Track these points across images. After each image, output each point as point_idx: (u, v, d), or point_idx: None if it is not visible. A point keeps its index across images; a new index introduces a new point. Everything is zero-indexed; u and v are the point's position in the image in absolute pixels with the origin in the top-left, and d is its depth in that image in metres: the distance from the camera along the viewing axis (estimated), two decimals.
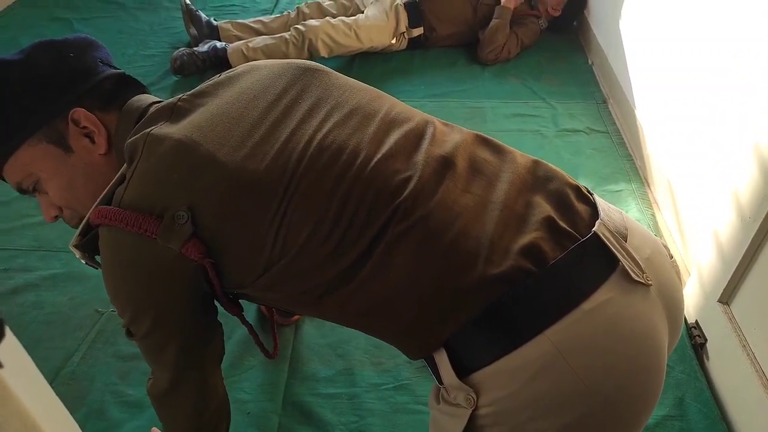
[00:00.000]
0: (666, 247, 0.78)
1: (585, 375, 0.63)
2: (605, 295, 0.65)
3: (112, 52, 2.49)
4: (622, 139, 1.97)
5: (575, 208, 0.72)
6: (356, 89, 0.83)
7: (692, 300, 1.35)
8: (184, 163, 0.69)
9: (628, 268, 0.66)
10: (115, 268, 0.72)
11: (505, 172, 0.75)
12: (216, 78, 0.82)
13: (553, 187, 0.74)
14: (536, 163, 0.78)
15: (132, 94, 0.82)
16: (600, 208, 0.72)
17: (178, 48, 2.40)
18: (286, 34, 2.30)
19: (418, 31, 2.41)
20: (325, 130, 0.73)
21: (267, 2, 2.90)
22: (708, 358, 1.28)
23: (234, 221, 0.69)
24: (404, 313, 0.70)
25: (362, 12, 2.39)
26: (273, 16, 2.54)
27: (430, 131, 0.77)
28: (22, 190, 0.81)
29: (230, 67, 2.08)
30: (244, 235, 0.70)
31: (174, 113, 0.75)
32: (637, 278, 0.66)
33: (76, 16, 2.75)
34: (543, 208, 0.70)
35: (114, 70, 0.83)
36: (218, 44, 2.33)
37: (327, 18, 2.31)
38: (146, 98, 0.82)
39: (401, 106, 0.83)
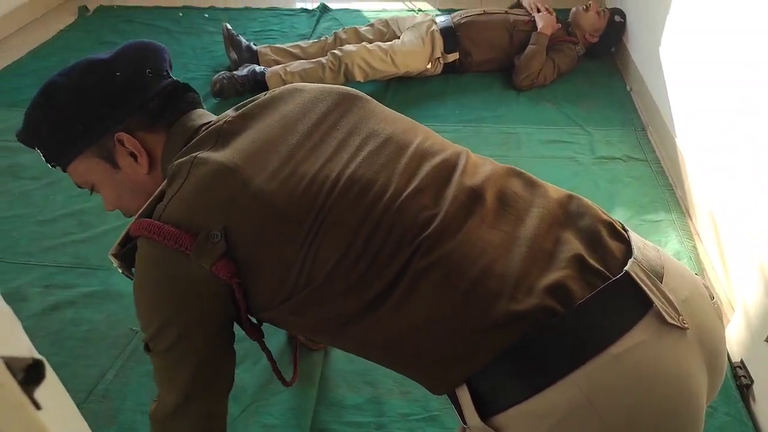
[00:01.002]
0: (707, 287, 0.75)
1: (613, 423, 0.60)
2: (637, 338, 0.62)
3: None
4: (662, 167, 1.92)
5: (607, 245, 0.70)
6: (392, 119, 0.84)
7: (737, 338, 1.29)
8: (224, 185, 0.71)
9: (662, 310, 0.63)
10: (147, 279, 0.74)
11: (535, 207, 0.73)
12: (260, 97, 0.85)
13: (585, 224, 0.72)
14: (570, 197, 0.77)
15: (182, 109, 0.84)
16: (634, 246, 0.70)
17: (218, 71, 2.46)
18: (322, 59, 2.33)
19: (453, 57, 2.42)
20: (358, 160, 0.75)
21: (305, 27, 2.96)
22: (755, 400, 1.22)
23: (265, 244, 0.71)
24: (425, 349, 0.69)
25: (398, 38, 2.42)
26: (311, 41, 2.59)
27: (462, 163, 0.77)
28: (82, 187, 0.89)
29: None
30: (273, 259, 0.71)
31: (220, 137, 0.77)
32: (672, 321, 0.63)
33: (122, 40, 2.83)
34: (573, 245, 0.69)
35: (165, 82, 0.84)
36: (257, 68, 2.38)
37: (363, 43, 2.35)
38: (197, 118, 0.84)
39: (435, 138, 0.83)
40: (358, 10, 3.14)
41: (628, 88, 2.36)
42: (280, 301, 0.72)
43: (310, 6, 3.18)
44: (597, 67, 2.50)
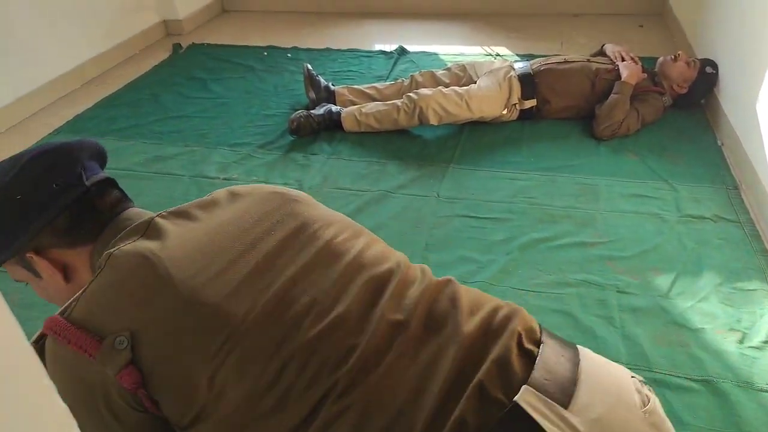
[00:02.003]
0: (641, 391, 0.71)
1: None
2: None
3: (238, 111, 2.66)
4: (757, 230, 1.78)
5: (512, 368, 0.68)
6: (332, 224, 0.81)
7: None
8: (140, 278, 0.68)
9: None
10: (56, 379, 0.64)
11: (459, 329, 0.71)
12: (199, 200, 0.82)
13: (501, 343, 0.70)
14: (493, 312, 0.75)
15: (102, 219, 0.79)
16: (538, 366, 0.67)
17: (296, 109, 2.53)
18: (398, 102, 2.36)
19: (530, 103, 2.38)
20: (287, 274, 0.72)
21: (382, 69, 3.01)
22: None
23: (173, 352, 0.66)
24: None
25: (475, 82, 2.41)
26: (387, 83, 2.63)
27: (394, 281, 0.75)
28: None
29: (343, 131, 2.16)
30: (180, 370, 0.66)
31: (149, 229, 0.74)
32: None
33: (210, 76, 3.02)
34: (481, 371, 0.67)
35: (77, 192, 0.78)
36: (333, 108, 2.43)
37: (439, 87, 2.35)
38: (124, 220, 0.79)
39: (375, 247, 0.81)
40: (435, 54, 3.17)
41: (719, 143, 2.23)
42: (193, 417, 0.66)
43: (388, 48, 3.25)
44: (685, 118, 2.38)
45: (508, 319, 0.74)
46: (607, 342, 1.43)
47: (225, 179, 2.19)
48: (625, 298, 1.56)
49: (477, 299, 0.78)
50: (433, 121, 2.31)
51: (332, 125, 2.42)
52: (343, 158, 2.28)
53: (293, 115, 2.42)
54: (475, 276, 1.65)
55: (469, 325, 0.72)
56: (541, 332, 0.74)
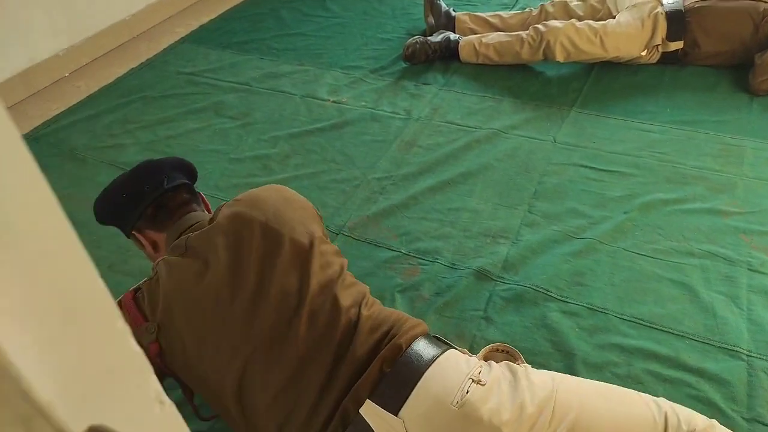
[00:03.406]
0: (462, 389, 0.87)
1: None
2: None
3: (354, 33, 2.58)
4: None
5: (366, 386, 0.89)
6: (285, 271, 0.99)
7: None
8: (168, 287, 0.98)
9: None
10: None
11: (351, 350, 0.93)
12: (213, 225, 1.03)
13: (371, 369, 0.90)
14: (381, 336, 0.94)
15: (173, 211, 1.11)
16: (384, 382, 0.88)
17: (413, 35, 2.42)
18: (523, 33, 2.17)
19: (676, 45, 2.09)
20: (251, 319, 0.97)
21: None
22: None
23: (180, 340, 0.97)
24: None
25: (614, 17, 2.15)
26: (513, 11, 2.43)
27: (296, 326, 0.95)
28: None
29: (459, 61, 2.33)
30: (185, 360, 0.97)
31: (187, 249, 1.01)
32: None
33: None
34: (351, 392, 0.89)
35: (158, 192, 1.10)
36: (452, 36, 2.30)
37: (572, 20, 2.13)
38: (186, 221, 1.09)
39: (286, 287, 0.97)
40: None
41: None
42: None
43: None
44: None
45: (385, 341, 0.94)
46: (727, 322, 1.28)
47: (334, 102, 2.17)
48: (759, 278, 1.38)
49: (378, 319, 0.97)
50: (560, 57, 2.11)
51: (448, 54, 2.29)
52: (456, 90, 2.16)
53: (409, 40, 2.32)
54: (584, 232, 1.53)
55: (361, 348, 0.92)
56: (408, 348, 0.92)
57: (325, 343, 0.92)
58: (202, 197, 1.21)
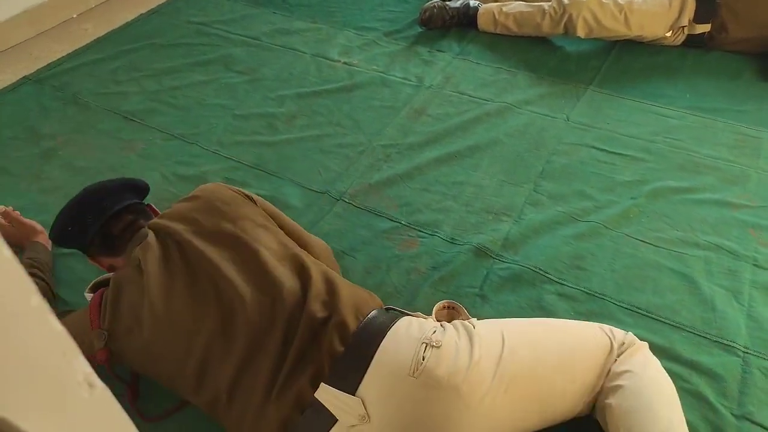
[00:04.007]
0: (420, 357, 0.87)
1: None
2: None
3: None
4: None
5: (323, 371, 0.89)
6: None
7: None
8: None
9: (344, 420, 0.84)
10: (73, 315, 1.11)
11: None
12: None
13: (322, 351, 0.90)
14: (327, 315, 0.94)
15: (122, 237, 1.13)
16: (337, 365, 0.88)
17: None
18: (545, 4, 2.09)
19: (702, 28, 2.01)
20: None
21: None
22: None
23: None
24: None
25: None
26: None
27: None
28: None
29: (476, 29, 2.25)
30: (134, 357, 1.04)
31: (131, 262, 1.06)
32: (354, 423, 0.83)
33: None
34: (305, 375, 0.89)
35: (101, 221, 1.13)
36: (471, 2, 2.22)
37: None
38: (138, 238, 1.09)
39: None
40: None
41: None
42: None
43: None
44: None
45: (331, 308, 0.95)
46: (726, 317, 1.26)
47: (345, 63, 2.11)
48: (763, 274, 1.35)
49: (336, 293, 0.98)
50: (581, 32, 2.03)
51: (466, 21, 2.22)
52: (471, 60, 2.10)
53: (426, 4, 2.24)
54: (588, 215, 1.49)
55: (308, 330, 0.93)
56: (360, 324, 0.92)
57: (272, 328, 0.92)
58: (152, 208, 1.24)
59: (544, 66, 2.05)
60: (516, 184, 1.60)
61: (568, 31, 2.05)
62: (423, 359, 0.86)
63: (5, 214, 1.41)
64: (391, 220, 1.52)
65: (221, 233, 1.04)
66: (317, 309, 0.94)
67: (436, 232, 1.48)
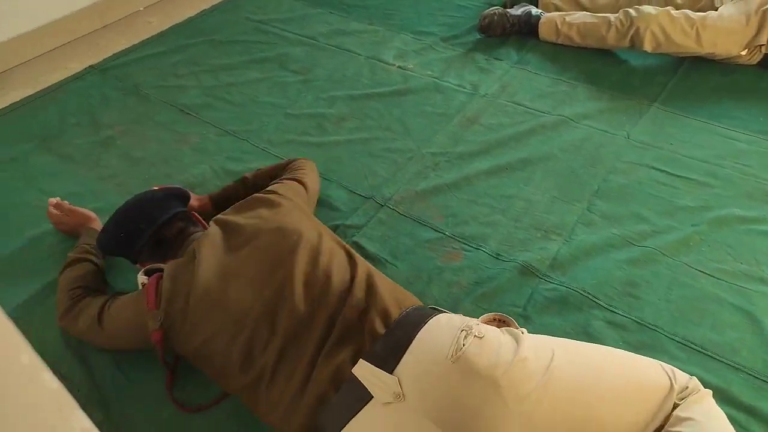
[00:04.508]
0: (459, 343, 0.86)
1: None
2: (362, 419, 0.83)
3: None
4: None
5: (365, 347, 0.90)
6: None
7: None
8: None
9: (379, 397, 0.83)
10: (129, 300, 1.14)
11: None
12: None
13: (365, 330, 0.93)
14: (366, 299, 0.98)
15: (171, 246, 1.17)
16: (380, 342, 0.89)
17: (492, 5, 2.30)
18: (611, 16, 2.01)
19: None
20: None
21: None
22: None
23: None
24: None
25: (716, 9, 1.96)
26: None
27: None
28: None
29: (537, 38, 2.19)
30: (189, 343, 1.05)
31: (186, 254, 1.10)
32: (388, 401, 0.82)
33: None
34: (345, 352, 0.91)
35: (153, 229, 1.16)
36: (533, 11, 2.16)
37: (669, 8, 1.95)
38: (188, 244, 1.14)
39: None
40: None
41: None
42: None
43: None
44: None
45: (370, 297, 0.98)
46: None
47: (399, 67, 2.09)
48: None
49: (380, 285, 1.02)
50: (648, 47, 1.94)
51: (527, 30, 2.16)
52: (529, 70, 2.04)
53: (487, 10, 2.19)
54: (644, 240, 1.41)
55: (352, 312, 0.96)
56: (402, 312, 0.95)
57: (317, 314, 0.96)
58: (196, 217, 1.29)
59: (606, 79, 1.97)
60: (568, 202, 1.54)
61: (635, 44, 1.96)
62: (463, 345, 0.85)
63: (57, 206, 1.45)
64: (436, 231, 1.48)
65: (278, 224, 1.10)
66: (361, 298, 0.97)
67: (482, 246, 1.43)
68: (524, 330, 0.95)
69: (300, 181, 1.36)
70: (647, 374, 0.90)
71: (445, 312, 0.98)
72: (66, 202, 1.47)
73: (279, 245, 1.06)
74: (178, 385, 1.17)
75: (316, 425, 0.88)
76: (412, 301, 1.02)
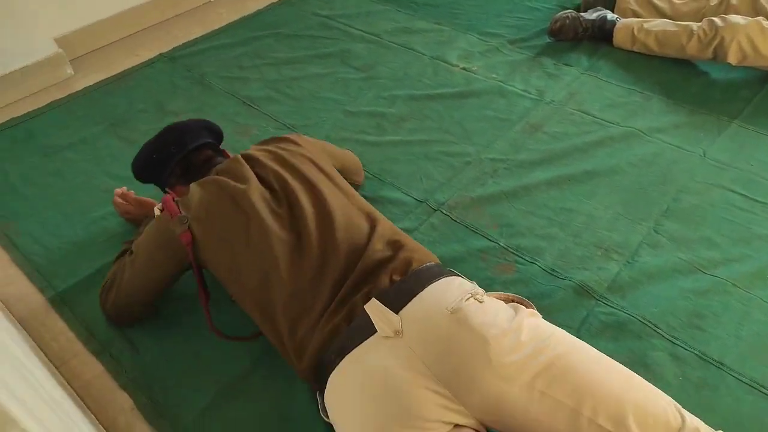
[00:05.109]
0: (460, 304, 0.92)
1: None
2: (366, 347, 0.92)
3: None
4: None
5: (380, 287, 0.98)
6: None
7: None
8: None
9: (381, 331, 0.92)
10: (150, 229, 1.18)
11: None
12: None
13: (385, 272, 1.00)
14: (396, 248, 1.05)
15: (198, 170, 1.25)
16: (394, 287, 0.97)
17: (565, 8, 2.21)
18: (693, 25, 1.88)
19: None
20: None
21: None
22: None
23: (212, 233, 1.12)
24: None
25: None
26: None
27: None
28: None
29: (611, 44, 2.11)
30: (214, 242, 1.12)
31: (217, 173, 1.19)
32: (388, 335, 0.91)
33: None
34: (361, 294, 0.98)
35: (184, 152, 1.26)
36: (609, 16, 2.06)
37: (759, 18, 1.80)
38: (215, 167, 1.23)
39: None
40: None
41: None
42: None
43: None
44: None
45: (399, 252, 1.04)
46: None
47: (463, 68, 2.04)
48: None
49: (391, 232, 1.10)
50: (732, 59, 1.81)
51: (600, 35, 2.06)
52: (600, 78, 1.94)
53: (559, 13, 2.11)
54: (714, 268, 1.32)
55: (372, 258, 1.03)
56: (419, 265, 1.01)
57: (341, 252, 1.03)
58: (225, 152, 1.33)
59: (684, 92, 1.85)
60: (634, 220, 1.45)
61: (717, 56, 1.84)
62: (464, 302, 0.93)
63: (123, 195, 1.49)
64: (489, 240, 1.43)
65: (301, 170, 1.17)
66: (384, 248, 1.05)
67: (536, 260, 1.37)
68: (539, 315, 0.99)
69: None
70: (655, 400, 0.86)
71: (462, 277, 1.04)
72: (131, 192, 1.51)
73: (304, 176, 1.15)
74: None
75: (323, 359, 0.95)
76: (434, 259, 1.08)
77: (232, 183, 1.12)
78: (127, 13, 2.35)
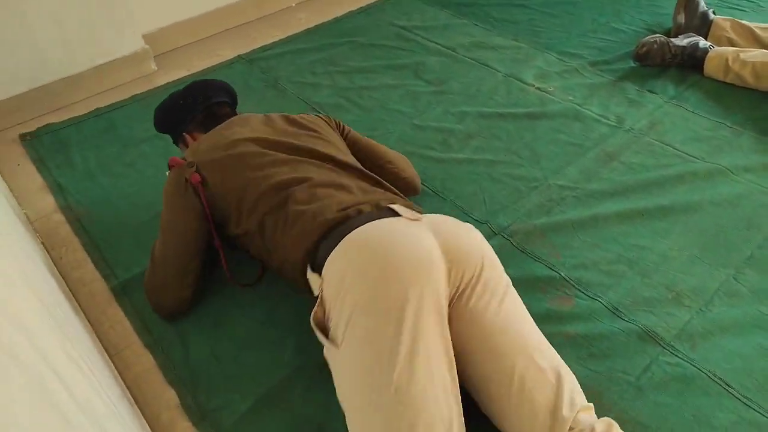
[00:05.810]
0: (483, 244, 1.11)
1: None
2: (382, 221, 1.08)
3: (584, 16, 2.40)
4: None
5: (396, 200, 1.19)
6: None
7: None
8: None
9: (405, 215, 1.10)
10: (167, 183, 1.30)
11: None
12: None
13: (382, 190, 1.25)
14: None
15: (218, 120, 1.41)
16: (407, 206, 1.17)
17: (654, 31, 2.11)
18: None
19: None
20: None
21: None
22: None
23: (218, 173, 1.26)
24: None
25: None
26: None
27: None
28: None
29: (701, 73, 2.00)
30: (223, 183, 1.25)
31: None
32: (410, 218, 1.09)
33: None
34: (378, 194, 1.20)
35: (207, 104, 1.44)
36: (701, 43, 1.93)
37: None
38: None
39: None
40: None
41: None
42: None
43: None
44: None
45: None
46: None
47: (538, 88, 1.97)
48: None
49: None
50: None
51: (690, 63, 1.94)
52: (686, 108, 1.83)
53: (647, 37, 2.00)
54: None
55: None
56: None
57: (342, 178, 1.22)
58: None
59: None
60: (711, 265, 1.34)
61: None
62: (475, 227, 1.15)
63: None
64: (550, 269, 1.37)
65: (307, 130, 1.35)
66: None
67: (599, 296, 1.30)
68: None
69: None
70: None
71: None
72: None
73: (315, 133, 1.34)
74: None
75: (340, 230, 1.06)
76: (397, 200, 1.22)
77: (237, 128, 1.29)
78: (212, 13, 2.43)
